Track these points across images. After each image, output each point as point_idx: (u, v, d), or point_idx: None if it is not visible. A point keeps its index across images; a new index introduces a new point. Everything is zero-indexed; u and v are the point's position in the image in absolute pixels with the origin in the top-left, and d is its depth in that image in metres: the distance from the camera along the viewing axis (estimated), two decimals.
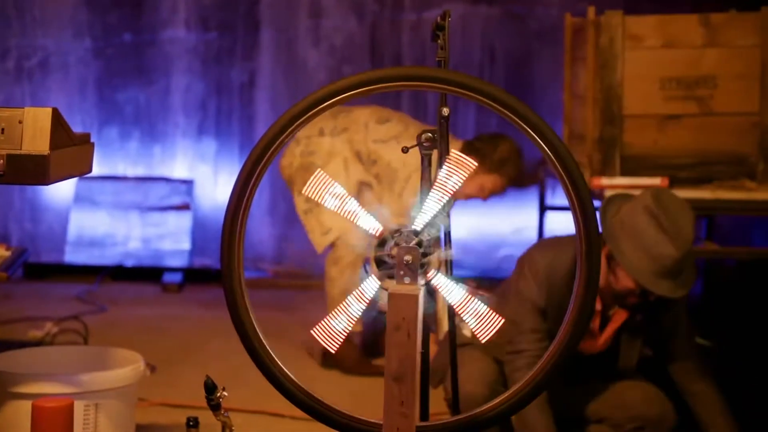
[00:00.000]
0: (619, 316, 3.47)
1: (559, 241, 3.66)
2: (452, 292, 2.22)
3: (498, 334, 3.30)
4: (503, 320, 2.19)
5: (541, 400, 3.34)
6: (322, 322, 2.25)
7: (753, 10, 4.62)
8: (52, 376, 3.27)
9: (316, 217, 4.91)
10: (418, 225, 2.25)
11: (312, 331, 2.26)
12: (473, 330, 2.20)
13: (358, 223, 2.30)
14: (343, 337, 2.25)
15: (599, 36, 4.67)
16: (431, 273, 2.22)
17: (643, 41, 4.66)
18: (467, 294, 2.22)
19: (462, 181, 2.22)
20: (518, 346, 3.44)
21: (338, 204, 2.29)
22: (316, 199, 2.29)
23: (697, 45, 4.62)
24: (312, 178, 2.29)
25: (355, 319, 2.27)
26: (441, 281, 2.22)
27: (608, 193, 4.47)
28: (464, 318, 2.21)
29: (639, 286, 3.32)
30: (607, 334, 3.48)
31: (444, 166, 2.23)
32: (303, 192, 2.32)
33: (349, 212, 2.29)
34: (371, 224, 2.29)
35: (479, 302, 2.20)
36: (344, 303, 2.25)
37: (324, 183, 2.29)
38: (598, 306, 3.44)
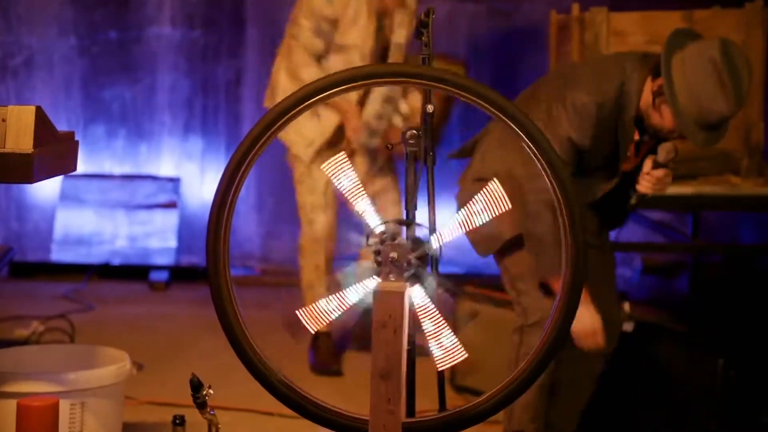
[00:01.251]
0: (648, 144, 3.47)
1: (597, 70, 3.51)
2: (429, 314, 2.23)
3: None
4: (466, 355, 2.21)
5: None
6: (311, 305, 2.27)
7: (736, 7, 4.63)
8: (38, 375, 3.26)
9: (296, 130, 4.76)
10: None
11: (297, 312, 2.29)
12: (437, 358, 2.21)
13: (364, 217, 2.32)
14: (328, 320, 2.27)
15: (584, 32, 4.68)
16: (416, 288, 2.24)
17: (628, 37, 4.66)
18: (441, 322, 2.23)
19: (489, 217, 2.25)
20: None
21: (351, 190, 2.32)
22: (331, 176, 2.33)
23: None
24: (331, 160, 2.33)
25: (347, 306, 2.29)
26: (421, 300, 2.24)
27: None
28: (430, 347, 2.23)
29: (677, 129, 3.30)
30: (640, 158, 3.45)
31: (480, 197, 2.24)
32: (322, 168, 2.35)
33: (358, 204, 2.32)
34: (375, 222, 2.30)
35: (448, 335, 2.22)
36: (341, 292, 2.28)
37: (342, 165, 2.32)
38: (636, 136, 3.41)
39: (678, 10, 4.68)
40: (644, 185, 3.42)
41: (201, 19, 6.95)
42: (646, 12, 4.72)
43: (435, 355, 2.21)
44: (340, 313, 2.30)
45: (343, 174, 2.33)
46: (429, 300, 2.24)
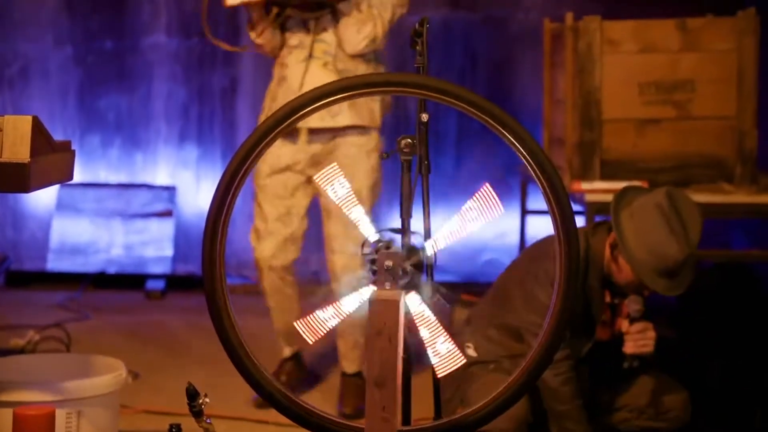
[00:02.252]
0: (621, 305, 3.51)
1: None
2: (426, 321, 2.24)
3: (507, 347, 3.32)
4: (465, 360, 2.23)
5: (576, 409, 3.41)
6: (311, 315, 2.29)
7: (729, 15, 4.65)
8: (33, 384, 3.26)
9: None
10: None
11: (295, 323, 2.30)
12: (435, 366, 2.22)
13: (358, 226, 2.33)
14: (325, 330, 2.28)
15: (577, 41, 4.69)
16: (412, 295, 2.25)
17: (621, 46, 4.68)
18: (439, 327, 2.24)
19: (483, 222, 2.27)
20: None
21: (343, 198, 2.34)
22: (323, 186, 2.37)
23: (675, 50, 4.65)
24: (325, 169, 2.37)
25: (344, 315, 2.30)
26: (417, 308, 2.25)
27: (588, 197, 4.50)
28: (429, 352, 2.23)
29: (637, 279, 3.34)
30: (619, 322, 3.49)
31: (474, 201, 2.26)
32: None
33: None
34: (369, 230, 2.31)
35: (445, 341, 2.23)
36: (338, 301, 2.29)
37: (335, 175, 2.35)
38: (608, 298, 3.47)
39: (671, 18, 4.70)
40: (628, 345, 3.45)
41: (196, 27, 6.95)
42: (639, 20, 4.73)
43: (433, 362, 2.22)
44: (337, 321, 2.31)
45: (338, 183, 2.35)
46: (425, 307, 2.25)
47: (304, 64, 4.22)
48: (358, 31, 4.15)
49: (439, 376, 2.25)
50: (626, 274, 3.38)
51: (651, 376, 3.64)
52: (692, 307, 6.10)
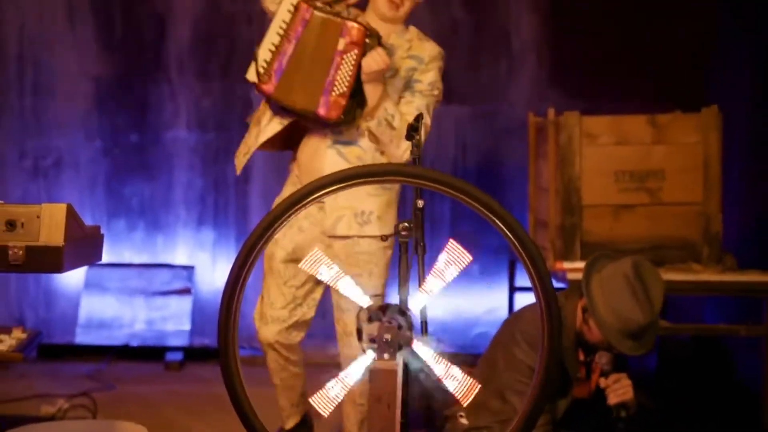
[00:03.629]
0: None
1: (535, 306, 3.68)
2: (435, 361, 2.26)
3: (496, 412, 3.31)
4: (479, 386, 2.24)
5: None
6: (320, 391, 2.30)
7: (695, 111, 4.71)
8: None
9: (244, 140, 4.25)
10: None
11: (310, 399, 2.31)
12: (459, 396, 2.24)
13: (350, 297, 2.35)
14: (336, 404, 2.29)
15: (559, 134, 4.74)
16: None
17: (598, 139, 4.72)
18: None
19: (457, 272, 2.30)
20: None
21: (333, 278, 2.35)
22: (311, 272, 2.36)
23: (647, 142, 4.69)
24: (309, 255, 2.37)
25: (349, 386, 2.31)
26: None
27: (570, 275, 4.51)
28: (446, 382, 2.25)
29: (606, 340, 3.37)
30: (594, 379, 3.51)
31: (444, 254, 2.30)
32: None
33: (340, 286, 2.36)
34: (363, 300, 2.33)
35: (457, 371, 2.25)
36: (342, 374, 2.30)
37: (319, 260, 2.35)
38: (582, 357, 3.49)
39: (643, 114, 4.75)
40: (610, 397, 3.47)
41: (213, 123, 7.02)
42: (614, 116, 4.79)
43: (451, 389, 2.23)
44: (344, 392, 2.32)
45: (324, 267, 2.37)
46: (430, 350, 2.27)
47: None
48: (398, 147, 3.80)
49: (461, 401, 2.26)
50: (596, 335, 3.41)
51: None
52: (670, 376, 6.09)
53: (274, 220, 2.35)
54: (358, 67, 3.68)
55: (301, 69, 3.75)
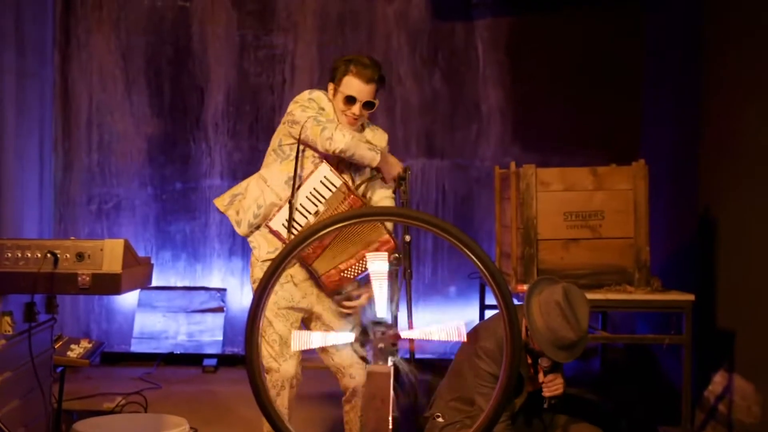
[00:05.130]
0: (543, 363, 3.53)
1: (488, 324, 3.70)
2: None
3: (466, 412, 3.29)
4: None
5: None
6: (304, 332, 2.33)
7: (627, 164, 4.73)
8: None
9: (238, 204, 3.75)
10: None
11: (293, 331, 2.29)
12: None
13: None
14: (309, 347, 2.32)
15: (519, 182, 4.75)
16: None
17: (551, 186, 4.73)
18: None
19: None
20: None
21: (324, 341, 2.37)
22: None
23: (589, 189, 4.70)
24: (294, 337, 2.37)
25: None
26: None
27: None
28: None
29: (544, 352, 3.39)
30: (540, 375, 3.51)
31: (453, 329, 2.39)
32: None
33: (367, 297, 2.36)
34: (348, 338, 2.33)
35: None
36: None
37: (304, 337, 2.36)
38: (529, 360, 3.50)
39: (586, 166, 4.77)
40: (545, 391, 3.51)
41: (242, 173, 7.02)
42: (563, 168, 4.79)
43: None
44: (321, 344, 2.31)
45: (313, 337, 2.37)
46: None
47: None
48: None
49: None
50: (536, 346, 3.43)
51: (583, 427, 3.65)
52: (609, 376, 6.09)
53: (285, 256, 2.35)
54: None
55: (335, 244, 3.38)
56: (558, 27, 6.85)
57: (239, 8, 7.02)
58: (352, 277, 3.44)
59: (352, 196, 3.33)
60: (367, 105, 3.49)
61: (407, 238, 2.82)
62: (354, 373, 3.65)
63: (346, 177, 3.48)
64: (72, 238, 2.96)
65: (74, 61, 6.93)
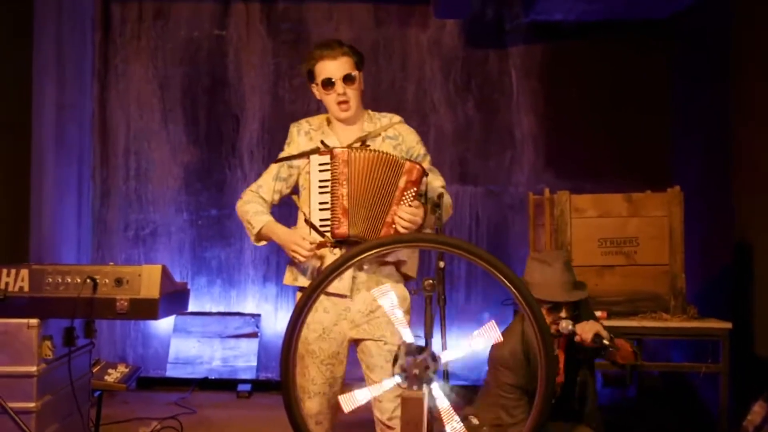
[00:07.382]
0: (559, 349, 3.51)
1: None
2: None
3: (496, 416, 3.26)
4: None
5: None
6: (348, 393, 2.31)
7: (661, 190, 4.71)
8: None
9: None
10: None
11: (339, 396, 2.32)
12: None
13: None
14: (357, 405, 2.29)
15: (553, 209, 4.74)
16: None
17: (585, 212, 4.72)
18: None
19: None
20: (514, 411, 3.46)
21: (391, 307, 2.35)
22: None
23: (624, 215, 4.69)
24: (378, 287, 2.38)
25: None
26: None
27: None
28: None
29: (547, 302, 3.37)
30: (562, 359, 3.48)
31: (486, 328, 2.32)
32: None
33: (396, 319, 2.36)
34: (409, 335, 2.33)
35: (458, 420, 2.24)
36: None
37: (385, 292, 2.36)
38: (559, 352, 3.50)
39: (621, 192, 4.75)
40: (585, 337, 3.33)
41: None
42: (597, 194, 4.79)
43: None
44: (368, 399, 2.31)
45: (388, 298, 2.37)
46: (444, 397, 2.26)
47: None
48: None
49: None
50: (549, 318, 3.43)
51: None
52: (645, 404, 6.01)
53: (320, 284, 2.36)
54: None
55: (364, 205, 3.21)
56: (589, 54, 6.85)
57: (274, 37, 7.09)
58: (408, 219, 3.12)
59: (350, 152, 3.21)
60: (347, 79, 3.39)
61: (441, 264, 2.81)
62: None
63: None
64: (111, 263, 2.99)
65: (112, 91, 7.03)
